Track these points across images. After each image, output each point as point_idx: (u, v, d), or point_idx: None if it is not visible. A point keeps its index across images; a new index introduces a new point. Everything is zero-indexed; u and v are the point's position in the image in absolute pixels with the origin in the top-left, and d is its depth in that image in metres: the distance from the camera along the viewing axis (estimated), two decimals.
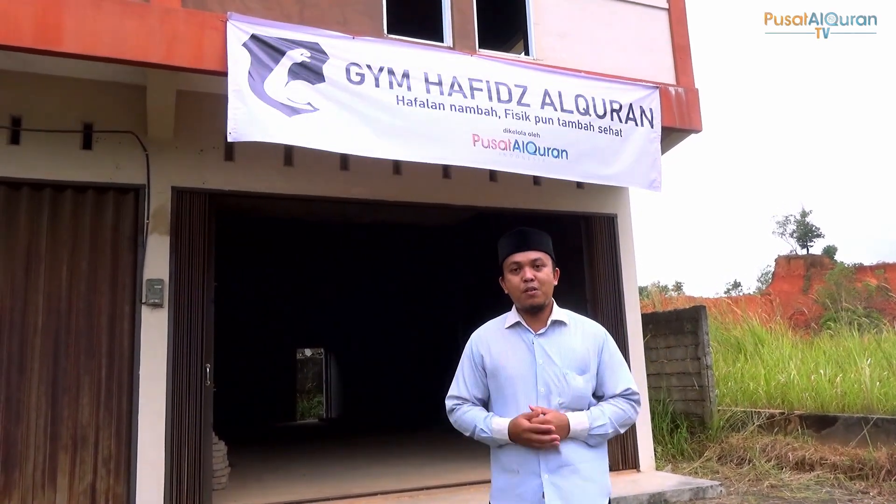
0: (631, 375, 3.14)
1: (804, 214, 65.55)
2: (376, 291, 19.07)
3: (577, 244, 9.15)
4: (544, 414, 2.85)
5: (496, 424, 2.96)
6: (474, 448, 10.41)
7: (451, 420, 3.15)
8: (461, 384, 3.14)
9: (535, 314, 3.06)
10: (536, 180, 8.73)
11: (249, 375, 20.72)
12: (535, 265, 3.04)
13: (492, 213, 8.83)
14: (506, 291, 3.14)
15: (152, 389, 6.58)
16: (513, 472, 2.95)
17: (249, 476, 9.24)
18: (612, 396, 3.03)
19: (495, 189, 8.55)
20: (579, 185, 8.92)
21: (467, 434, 3.08)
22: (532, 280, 3.01)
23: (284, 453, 12.55)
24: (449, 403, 3.17)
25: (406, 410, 17.05)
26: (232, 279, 13.11)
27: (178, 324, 6.75)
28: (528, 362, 2.99)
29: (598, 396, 3.07)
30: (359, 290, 19.46)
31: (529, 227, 3.19)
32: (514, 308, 3.14)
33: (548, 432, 2.82)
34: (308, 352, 32.67)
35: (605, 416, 2.95)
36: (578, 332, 3.10)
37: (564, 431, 2.86)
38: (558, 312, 3.10)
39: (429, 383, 14.46)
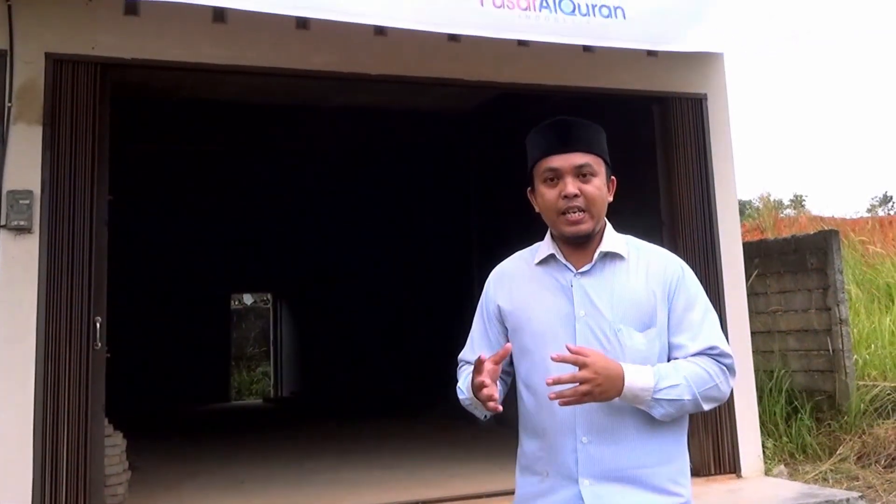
0: (721, 332, 3.05)
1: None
2: (351, 211, 19.00)
3: (648, 140, 9.08)
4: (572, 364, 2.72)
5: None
6: (491, 445, 10.40)
7: None
8: (468, 345, 3.25)
9: (578, 244, 3.02)
10: (586, 45, 8.59)
11: (161, 336, 20.84)
12: (581, 174, 2.95)
13: (521, 92, 8.83)
14: (536, 210, 3.10)
15: (14, 356, 6.56)
16: (540, 474, 2.97)
17: (159, 483, 9.30)
18: (691, 356, 2.95)
19: (525, 57, 8.40)
20: (650, 52, 8.80)
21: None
22: (576, 196, 2.93)
23: (212, 450, 12.66)
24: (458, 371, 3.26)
25: (394, 387, 17.19)
26: (136, 194, 13.05)
27: (54, 258, 6.70)
28: (563, 313, 2.97)
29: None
30: (325, 209, 19.40)
31: (573, 116, 3.09)
32: (548, 234, 3.11)
33: (584, 380, 2.68)
34: (249, 299, 32.83)
35: (678, 375, 2.84)
36: (641, 267, 3.03)
37: (615, 386, 2.73)
38: (612, 240, 3.04)
39: (430, 346, 14.51)
